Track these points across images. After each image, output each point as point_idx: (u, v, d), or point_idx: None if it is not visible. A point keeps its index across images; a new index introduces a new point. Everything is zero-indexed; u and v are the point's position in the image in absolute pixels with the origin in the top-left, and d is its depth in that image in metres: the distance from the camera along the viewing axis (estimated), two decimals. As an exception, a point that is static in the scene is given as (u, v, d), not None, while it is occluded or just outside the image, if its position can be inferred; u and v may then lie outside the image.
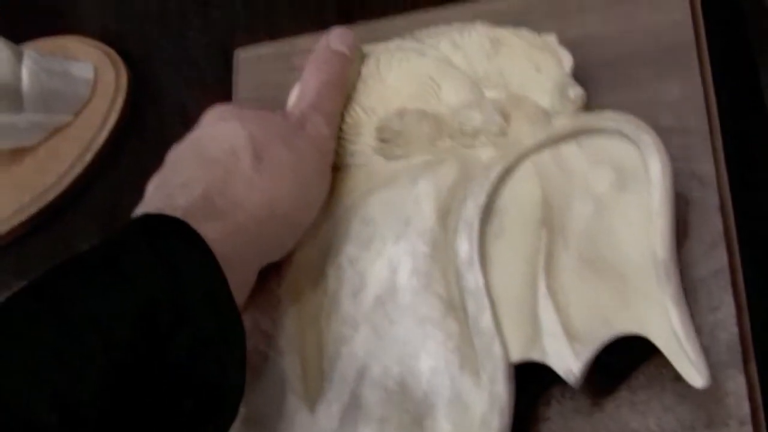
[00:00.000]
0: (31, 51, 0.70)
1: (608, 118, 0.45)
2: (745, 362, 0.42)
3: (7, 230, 0.68)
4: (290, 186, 0.45)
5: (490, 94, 0.49)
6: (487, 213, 0.45)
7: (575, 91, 0.46)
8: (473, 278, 0.43)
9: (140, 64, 0.74)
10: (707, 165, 0.46)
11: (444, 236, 0.45)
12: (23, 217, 0.68)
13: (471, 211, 0.45)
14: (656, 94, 0.48)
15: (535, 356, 0.41)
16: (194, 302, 0.37)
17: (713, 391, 0.41)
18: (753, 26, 0.54)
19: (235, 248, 0.40)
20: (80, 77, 0.72)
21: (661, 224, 0.41)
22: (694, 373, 0.38)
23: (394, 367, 0.43)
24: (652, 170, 0.42)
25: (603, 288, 0.42)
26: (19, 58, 0.69)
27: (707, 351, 0.41)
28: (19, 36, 0.73)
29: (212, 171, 0.44)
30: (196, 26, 0.74)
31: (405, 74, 0.51)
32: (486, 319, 0.42)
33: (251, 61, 0.61)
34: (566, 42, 0.49)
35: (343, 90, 0.51)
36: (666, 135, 0.45)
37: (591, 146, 0.45)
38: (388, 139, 0.50)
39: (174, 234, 0.39)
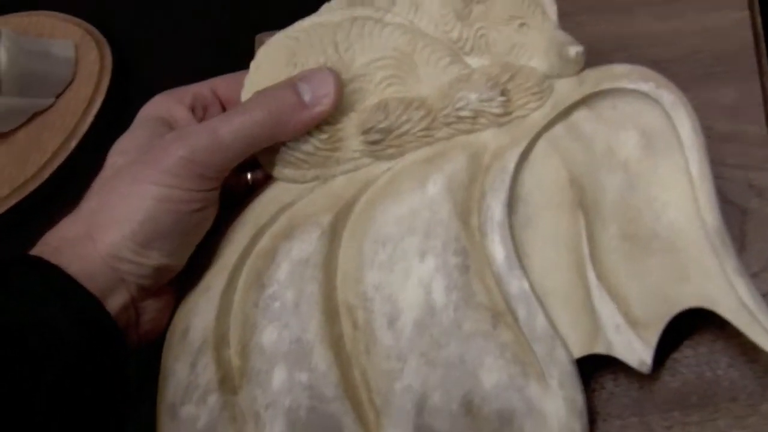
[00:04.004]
0: (7, 30, 0.70)
1: (621, 76, 0.43)
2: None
3: (-16, 225, 0.67)
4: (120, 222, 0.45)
5: (473, 62, 0.47)
6: (511, 204, 0.44)
7: (575, 50, 0.45)
8: (517, 283, 0.43)
9: (124, 45, 0.74)
10: (766, 175, 0.48)
11: (471, 241, 0.44)
12: (1, 210, 0.67)
13: (496, 210, 0.44)
14: (711, 97, 0.50)
15: (600, 350, 0.42)
16: (64, 323, 0.41)
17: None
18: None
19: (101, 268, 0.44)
20: (61, 57, 0.72)
21: (707, 188, 0.40)
22: None
23: (454, 391, 0.42)
24: (683, 131, 0.41)
25: (655, 264, 0.42)
26: (-4, 37, 0.69)
27: (767, 373, 0.44)
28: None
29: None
30: (186, 8, 0.75)
31: (371, 54, 0.48)
32: (541, 323, 0.42)
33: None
34: (616, 39, 0.51)
35: (270, 140, 0.47)
36: (721, 142, 0.48)
37: (606, 108, 0.44)
38: (377, 141, 0.47)
39: (37, 272, 0.43)
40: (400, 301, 0.44)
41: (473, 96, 0.45)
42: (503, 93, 0.45)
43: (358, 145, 0.47)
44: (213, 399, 0.45)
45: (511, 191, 0.44)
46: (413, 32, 0.47)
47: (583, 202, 0.44)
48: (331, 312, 0.45)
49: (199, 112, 0.50)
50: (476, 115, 0.46)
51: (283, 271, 0.46)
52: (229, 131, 0.45)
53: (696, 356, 0.45)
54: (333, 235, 0.46)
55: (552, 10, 0.46)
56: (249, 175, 0.52)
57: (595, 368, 0.46)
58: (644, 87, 0.42)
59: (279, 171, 0.49)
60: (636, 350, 0.41)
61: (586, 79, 0.44)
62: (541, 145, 0.45)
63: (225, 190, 0.48)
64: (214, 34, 0.71)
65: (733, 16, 0.52)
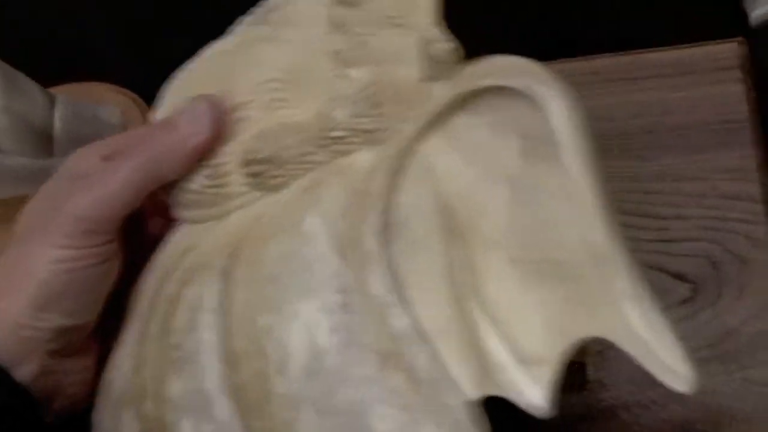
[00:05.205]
0: (62, 95, 0.76)
1: (496, 72, 0.37)
2: (802, 409, 0.49)
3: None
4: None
5: (355, 73, 0.41)
6: (390, 232, 0.39)
7: (440, 47, 0.39)
8: (397, 321, 0.37)
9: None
10: (763, 229, 0.54)
11: (352, 276, 0.39)
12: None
13: (370, 240, 0.38)
14: (715, 162, 0.56)
15: (493, 391, 0.36)
16: None
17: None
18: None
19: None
20: (108, 122, 0.77)
21: (588, 198, 0.33)
22: (671, 377, 0.32)
23: None
24: (559, 132, 0.34)
25: (547, 291, 0.36)
26: (52, 102, 0.74)
27: (766, 403, 0.50)
28: (40, 82, 0.79)
29: None
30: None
31: (258, 77, 0.44)
32: (424, 365, 0.37)
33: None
34: (631, 107, 0.58)
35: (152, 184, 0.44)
36: (724, 199, 0.55)
37: (486, 110, 0.37)
38: (259, 173, 0.42)
39: None
40: (289, 345, 0.39)
41: (343, 113, 0.41)
42: (375, 106, 0.40)
43: (244, 178, 0.43)
44: None
45: (385, 217, 0.39)
46: (298, 49, 0.43)
47: (459, 224, 0.39)
48: (231, 359, 0.41)
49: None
50: (349, 134, 0.41)
51: (182, 318, 0.42)
52: (114, 181, 0.42)
53: (701, 388, 0.50)
54: (226, 277, 0.42)
55: (426, 4, 0.40)
56: None
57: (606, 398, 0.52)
58: (518, 83, 0.35)
59: (179, 212, 0.46)
60: (523, 392, 0.35)
61: (461, 78, 0.38)
62: (417, 161, 0.39)
63: None
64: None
65: (732, 90, 0.59)
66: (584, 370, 0.53)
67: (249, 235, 0.42)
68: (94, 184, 0.42)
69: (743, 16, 0.64)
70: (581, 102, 0.34)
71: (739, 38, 0.60)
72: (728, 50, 0.60)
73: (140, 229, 0.46)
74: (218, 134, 0.43)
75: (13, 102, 0.73)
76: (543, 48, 0.65)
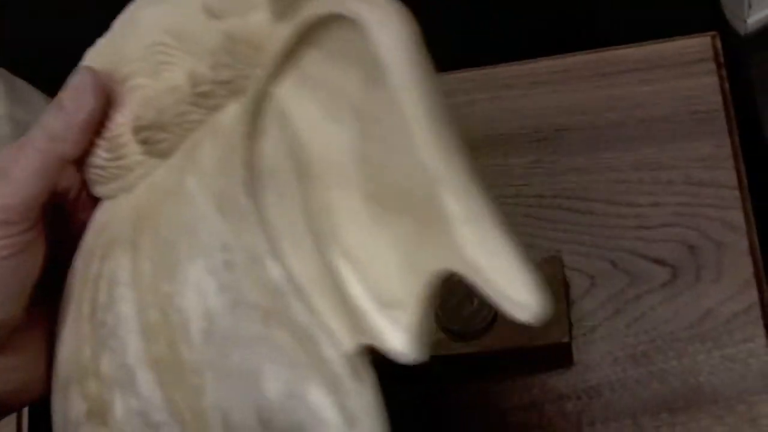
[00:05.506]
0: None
1: (325, 1, 0.35)
2: (776, 388, 0.51)
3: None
4: None
5: (222, 25, 0.40)
6: (259, 183, 0.38)
7: None
8: (272, 275, 0.37)
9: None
10: (737, 213, 0.57)
11: (231, 232, 0.38)
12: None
13: (240, 194, 0.38)
14: (689, 151, 0.59)
15: (366, 340, 0.35)
16: None
17: (746, 414, 0.52)
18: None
19: None
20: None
21: (419, 122, 0.32)
22: (511, 306, 0.30)
23: (246, 406, 0.38)
24: (379, 53, 0.32)
25: (397, 227, 0.34)
26: (51, 107, 0.77)
27: (742, 378, 0.53)
28: (40, 84, 0.82)
29: None
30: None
31: (143, 42, 0.43)
32: (300, 317, 0.36)
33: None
34: (606, 100, 0.60)
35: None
36: (699, 187, 0.57)
37: (325, 43, 0.36)
38: (148, 139, 0.42)
39: None
40: (187, 310, 0.39)
41: (205, 67, 0.40)
42: (231, 56, 0.39)
43: (138, 147, 0.42)
44: None
45: (250, 168, 0.38)
46: (176, 8, 0.42)
47: (317, 165, 0.37)
48: (147, 332, 0.40)
49: None
50: (213, 87, 0.40)
51: (104, 294, 0.42)
52: (18, 168, 0.42)
53: (681, 366, 0.54)
54: (133, 248, 0.41)
55: None
56: None
57: (591, 378, 0.55)
58: (344, 9, 0.33)
59: (94, 189, 0.45)
60: (385, 337, 0.34)
61: (297, 13, 0.37)
62: (273, 106, 0.38)
63: None
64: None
65: (705, 82, 0.61)
66: (570, 350, 0.55)
67: (147, 204, 0.42)
68: (3, 175, 0.42)
69: (719, 13, 0.67)
70: (412, 22, 0.32)
71: (713, 32, 0.63)
72: (700, 44, 0.62)
73: (73, 216, 0.46)
74: (104, 105, 0.42)
75: (15, 110, 0.75)
76: (520, 45, 0.67)
